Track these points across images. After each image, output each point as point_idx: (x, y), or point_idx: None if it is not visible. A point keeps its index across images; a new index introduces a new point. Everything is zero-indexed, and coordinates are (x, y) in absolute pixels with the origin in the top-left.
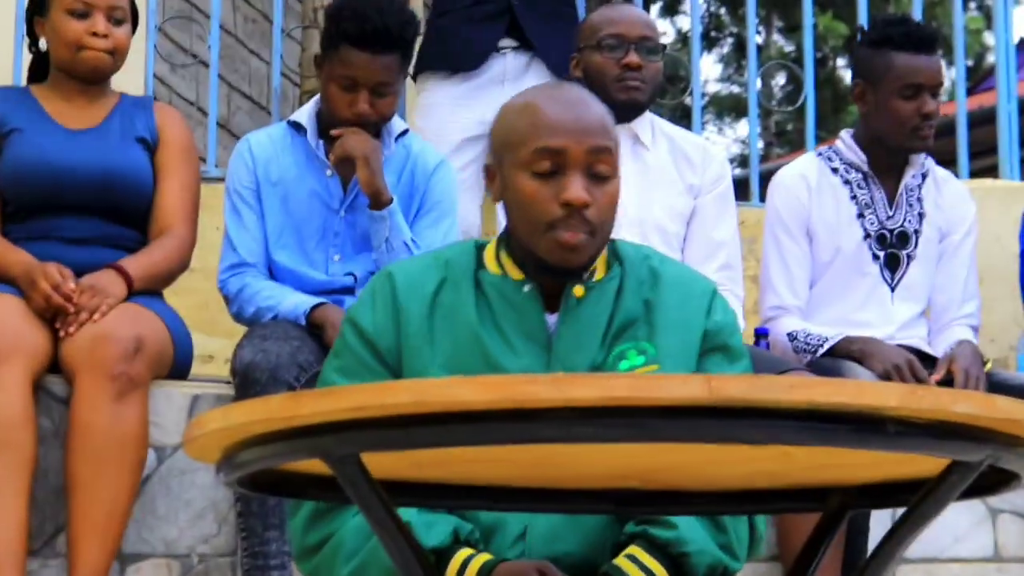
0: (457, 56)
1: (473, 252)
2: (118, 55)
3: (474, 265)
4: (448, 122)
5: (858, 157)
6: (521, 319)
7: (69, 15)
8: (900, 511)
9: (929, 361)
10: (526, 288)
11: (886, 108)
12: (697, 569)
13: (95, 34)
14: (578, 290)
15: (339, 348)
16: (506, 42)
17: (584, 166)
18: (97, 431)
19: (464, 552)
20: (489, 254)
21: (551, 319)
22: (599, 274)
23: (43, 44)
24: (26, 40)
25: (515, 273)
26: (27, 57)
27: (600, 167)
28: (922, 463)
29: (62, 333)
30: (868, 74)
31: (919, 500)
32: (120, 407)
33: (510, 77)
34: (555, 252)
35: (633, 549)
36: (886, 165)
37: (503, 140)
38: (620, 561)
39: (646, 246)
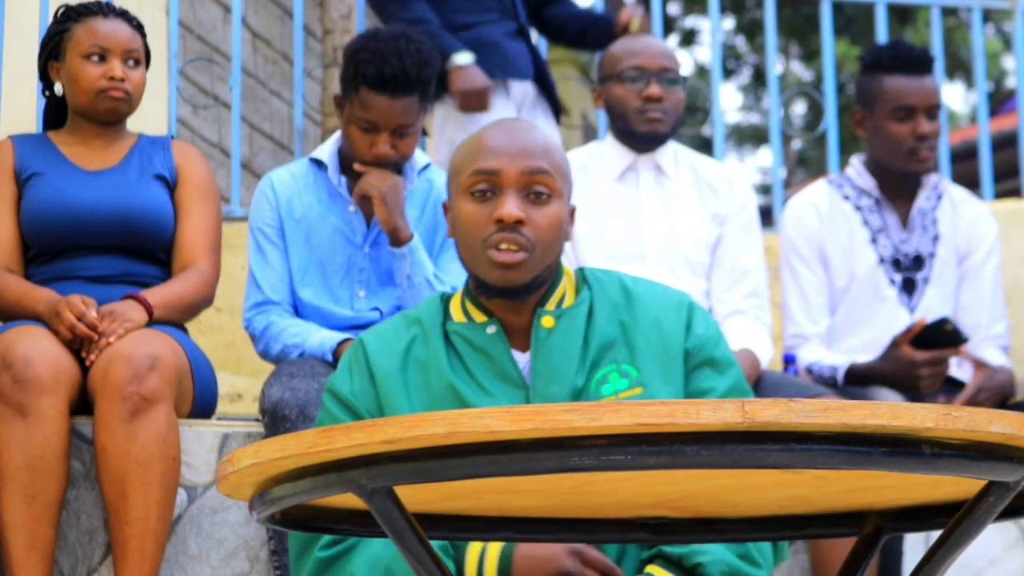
0: (505, 64)
1: (440, 306)
2: (135, 97)
3: (441, 318)
4: None
5: (868, 183)
6: (490, 362)
7: (86, 60)
8: (935, 534)
9: (958, 386)
10: (490, 329)
11: (882, 132)
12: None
13: (112, 78)
14: (547, 321)
15: (322, 419)
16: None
17: (520, 186)
18: (114, 454)
19: (476, 546)
20: (455, 304)
21: (524, 357)
22: (568, 301)
23: (59, 88)
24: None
25: (479, 316)
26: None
27: (537, 188)
28: (957, 485)
29: (87, 362)
30: (864, 100)
31: (956, 522)
32: (133, 427)
33: (527, 104)
34: (494, 271)
35: (651, 568)
36: (897, 189)
37: (451, 172)
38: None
39: (615, 271)
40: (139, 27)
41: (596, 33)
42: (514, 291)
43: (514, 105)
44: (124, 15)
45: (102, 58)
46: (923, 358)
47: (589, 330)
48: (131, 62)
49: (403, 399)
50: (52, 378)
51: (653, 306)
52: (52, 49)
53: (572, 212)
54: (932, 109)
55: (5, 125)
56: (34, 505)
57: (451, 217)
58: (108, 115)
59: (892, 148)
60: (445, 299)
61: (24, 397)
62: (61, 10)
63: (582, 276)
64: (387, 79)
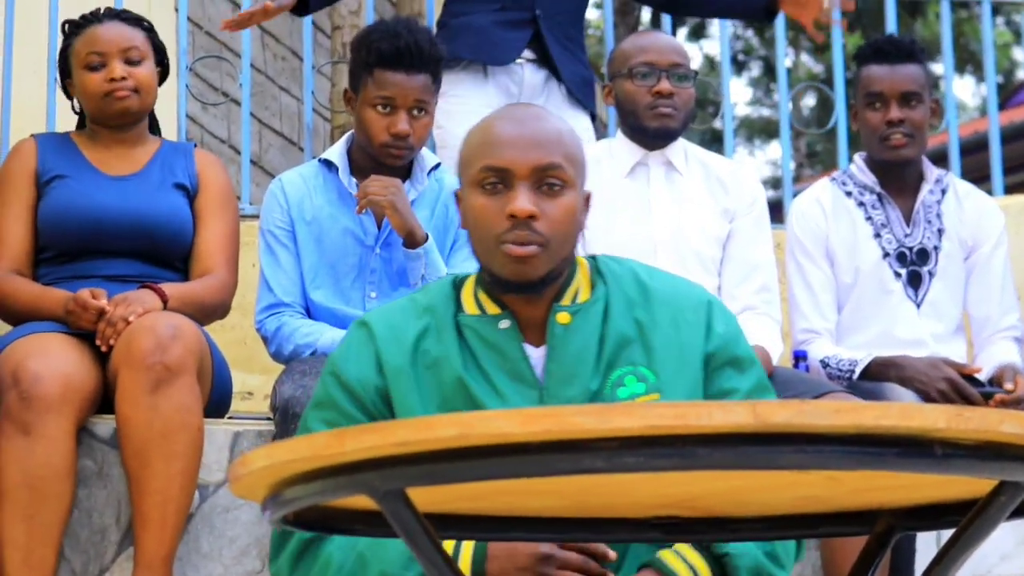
0: (489, 49)
1: (451, 294)
2: (143, 93)
3: (453, 308)
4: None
5: (869, 179)
6: (503, 359)
7: (87, 70)
8: (946, 533)
9: (969, 380)
10: (503, 324)
11: (861, 121)
12: (739, 572)
13: (113, 79)
14: (563, 317)
15: (321, 398)
16: (526, 53)
17: (532, 180)
18: (136, 425)
19: (449, 542)
20: (467, 292)
21: (537, 353)
22: (583, 296)
23: (76, 104)
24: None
25: (492, 308)
26: (62, 102)
27: (550, 180)
28: (969, 484)
29: (103, 348)
30: (853, 92)
31: (968, 522)
32: (157, 398)
33: (526, 91)
34: (508, 266)
35: (679, 546)
36: (899, 183)
37: (461, 162)
38: (664, 554)
39: (630, 259)
40: (141, 24)
41: (751, 9)
42: (529, 285)
43: (499, 93)
44: (121, 16)
45: (101, 64)
46: (959, 382)
47: (605, 328)
48: (131, 60)
49: (415, 397)
50: (60, 397)
51: (671, 304)
52: (63, 67)
53: (587, 199)
54: (906, 96)
55: (16, 121)
56: (32, 524)
57: (463, 207)
58: (119, 117)
59: (868, 136)
60: (457, 284)
61: (29, 416)
62: (64, 27)
63: (596, 267)
64: (403, 53)
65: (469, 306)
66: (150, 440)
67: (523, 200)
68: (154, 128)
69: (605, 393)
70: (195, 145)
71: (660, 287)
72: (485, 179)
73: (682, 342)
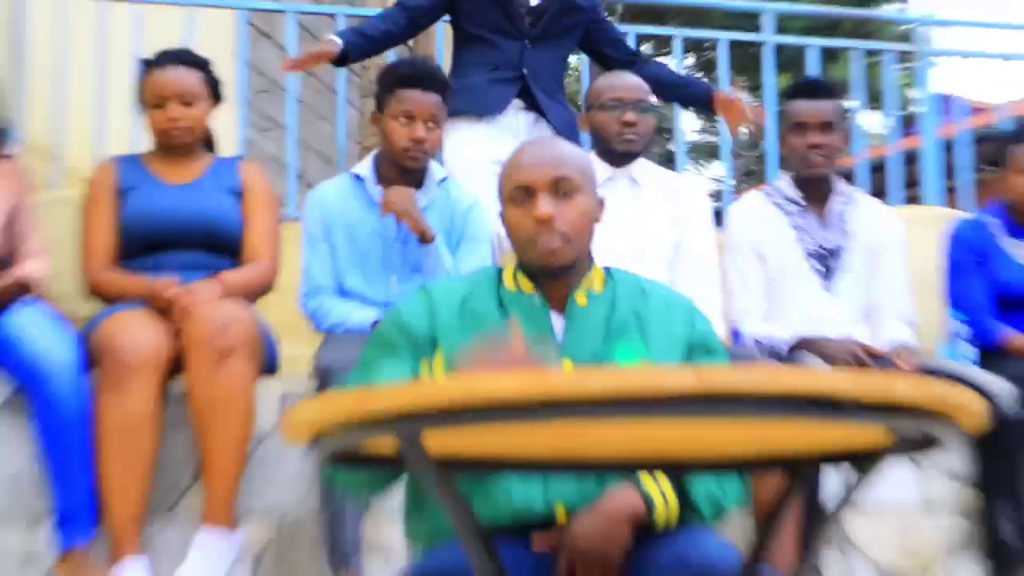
0: (482, 104)
1: (495, 275)
2: (195, 128)
3: (496, 285)
4: (471, 154)
5: (793, 191)
6: (533, 324)
7: (153, 108)
8: (851, 473)
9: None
10: (535, 299)
11: (787, 145)
12: (697, 499)
13: (170, 119)
14: (581, 299)
15: (374, 334)
16: (517, 102)
17: (549, 190)
18: (202, 394)
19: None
20: (507, 275)
21: (559, 322)
22: (598, 289)
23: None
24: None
25: (527, 287)
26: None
27: (563, 188)
28: (870, 433)
29: (178, 329)
30: (781, 122)
31: (868, 464)
32: (215, 372)
33: (522, 132)
34: (541, 258)
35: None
36: (816, 195)
37: (500, 186)
38: (640, 474)
39: (634, 273)
40: (198, 64)
41: (693, 99)
42: (558, 271)
43: (495, 132)
44: (184, 60)
45: (162, 105)
46: (863, 358)
47: (612, 313)
48: (186, 103)
49: (458, 337)
50: (143, 362)
51: (664, 304)
52: (138, 97)
53: (601, 202)
54: (823, 125)
55: (118, 144)
56: (125, 463)
57: (505, 220)
58: (175, 149)
59: (792, 156)
60: (499, 270)
61: (120, 377)
62: (141, 63)
63: (608, 272)
64: (420, 75)
65: (509, 284)
66: (213, 406)
67: (544, 206)
68: (209, 145)
69: (607, 358)
70: (241, 158)
71: (656, 292)
72: (516, 195)
73: (670, 332)
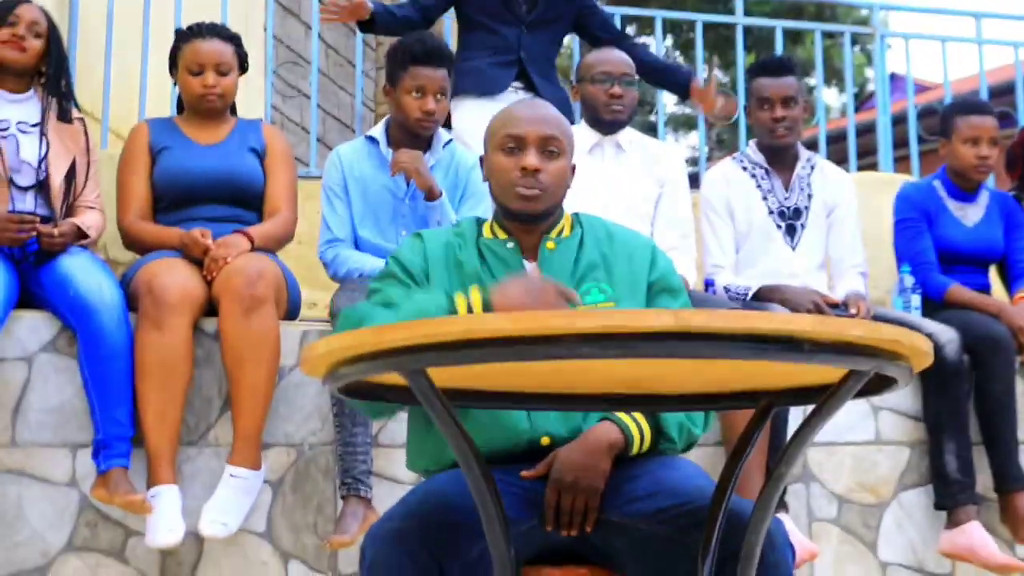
0: (484, 85)
1: (476, 225)
2: (227, 96)
3: (476, 233)
4: (475, 128)
5: (760, 158)
6: (507, 267)
7: (189, 73)
8: (810, 408)
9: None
10: (509, 245)
11: (754, 118)
12: (669, 428)
13: (206, 86)
14: (550, 244)
15: (384, 272)
16: (515, 83)
17: (538, 146)
18: (233, 337)
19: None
20: (487, 226)
21: (531, 267)
22: (566, 233)
23: (178, 90)
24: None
25: (502, 235)
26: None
27: (550, 147)
28: (827, 372)
29: (208, 278)
30: (748, 97)
31: (826, 399)
32: (248, 320)
33: None
34: (518, 202)
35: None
36: (780, 162)
37: (488, 134)
38: (617, 413)
39: (599, 217)
40: (232, 39)
41: (673, 85)
42: (531, 217)
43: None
44: (219, 33)
45: (200, 72)
46: (821, 304)
47: (579, 255)
48: (221, 72)
49: (445, 277)
50: (180, 301)
51: (627, 245)
52: (172, 61)
53: (573, 168)
54: (786, 100)
55: (152, 109)
56: (163, 393)
57: (487, 166)
58: (207, 114)
59: (759, 129)
60: (479, 222)
61: (159, 315)
62: (176, 33)
63: (576, 218)
64: (430, 52)
65: (487, 233)
66: (243, 350)
67: (532, 158)
68: (232, 111)
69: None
70: (262, 120)
71: (620, 234)
72: (506, 143)
73: (633, 271)
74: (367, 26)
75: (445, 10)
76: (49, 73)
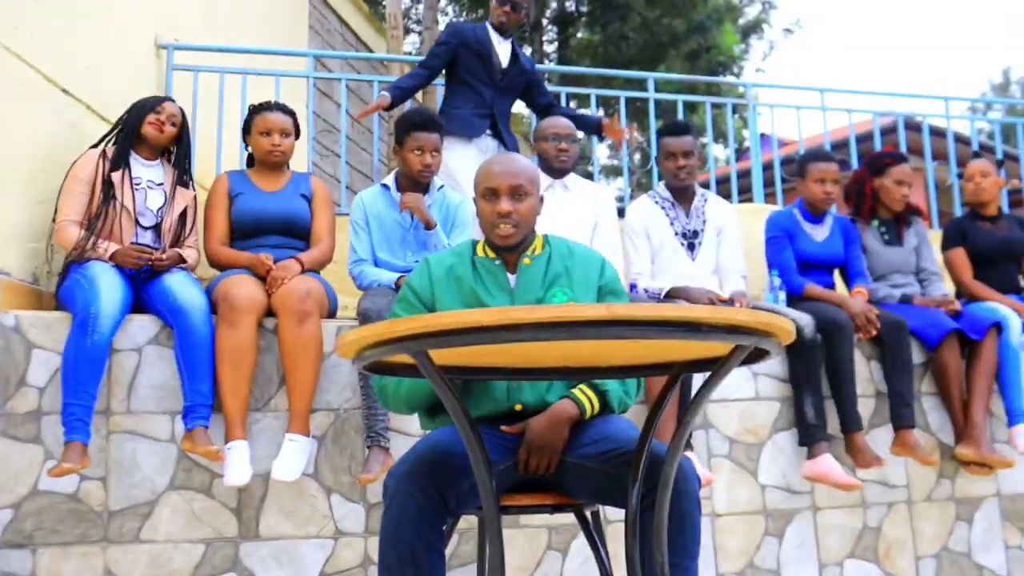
0: (467, 128)
1: (471, 247)
2: (287, 154)
3: (471, 253)
4: (461, 162)
5: (667, 195)
6: (495, 279)
7: (260, 136)
8: (708, 374)
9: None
10: (496, 263)
11: (663, 166)
12: (613, 401)
13: (274, 146)
14: (526, 261)
15: (400, 296)
16: (488, 132)
17: (509, 193)
18: (288, 341)
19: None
20: (479, 247)
21: (512, 278)
22: (538, 251)
23: (250, 149)
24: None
25: (491, 255)
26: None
27: (519, 192)
28: (719, 348)
29: (269, 291)
30: (657, 150)
31: (719, 367)
32: (300, 328)
33: (491, 151)
34: (498, 239)
35: (581, 386)
36: (682, 197)
37: (475, 184)
38: (573, 390)
39: (565, 239)
40: (291, 113)
41: (588, 127)
42: (510, 248)
43: (477, 150)
44: (282, 109)
45: (268, 134)
46: (715, 300)
47: (548, 267)
48: (285, 135)
49: (447, 294)
50: (248, 306)
51: (583, 258)
52: (246, 128)
53: (541, 199)
54: (686, 153)
55: (226, 164)
56: (236, 373)
57: (476, 208)
58: (272, 167)
59: (666, 174)
60: (474, 244)
61: (233, 316)
62: (250, 108)
63: (546, 239)
64: (426, 121)
65: (480, 253)
66: (296, 351)
67: (504, 205)
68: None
69: (545, 300)
70: (311, 174)
71: (578, 250)
72: (486, 193)
73: (588, 278)
74: (390, 107)
75: (444, 68)
76: (177, 152)
